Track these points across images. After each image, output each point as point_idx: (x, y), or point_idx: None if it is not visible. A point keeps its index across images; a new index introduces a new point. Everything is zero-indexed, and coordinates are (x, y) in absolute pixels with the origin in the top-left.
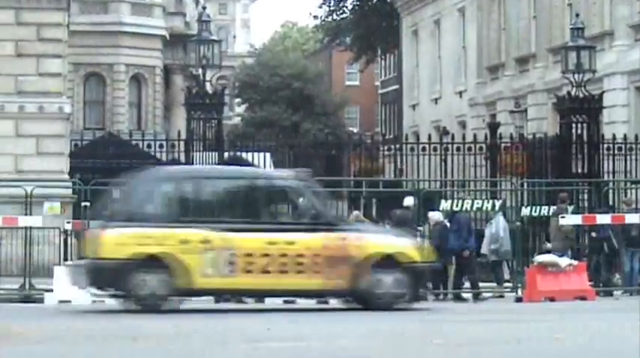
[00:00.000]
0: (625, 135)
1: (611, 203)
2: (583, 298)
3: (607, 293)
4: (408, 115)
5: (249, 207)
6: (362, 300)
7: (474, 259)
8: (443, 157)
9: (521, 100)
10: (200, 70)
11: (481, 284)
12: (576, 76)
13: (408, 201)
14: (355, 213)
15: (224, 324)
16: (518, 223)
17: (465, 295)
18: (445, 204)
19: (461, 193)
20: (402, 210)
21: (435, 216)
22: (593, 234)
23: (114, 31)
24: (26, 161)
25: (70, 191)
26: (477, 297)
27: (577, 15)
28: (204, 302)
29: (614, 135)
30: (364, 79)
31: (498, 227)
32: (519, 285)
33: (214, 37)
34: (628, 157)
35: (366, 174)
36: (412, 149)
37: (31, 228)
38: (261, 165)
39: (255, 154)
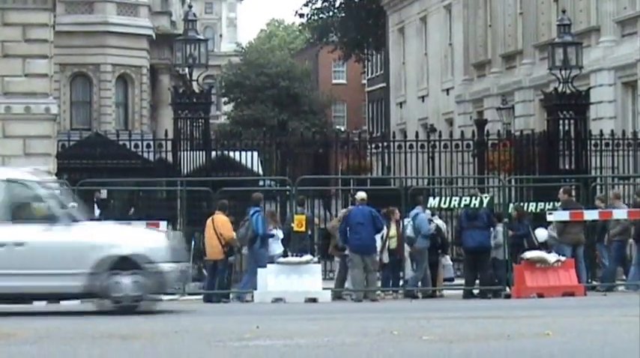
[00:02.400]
0: (612, 131)
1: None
2: (571, 294)
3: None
4: (395, 113)
5: None
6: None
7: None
8: (430, 154)
9: (508, 97)
10: (186, 70)
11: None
12: (563, 72)
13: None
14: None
15: (213, 323)
16: (506, 219)
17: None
18: (433, 202)
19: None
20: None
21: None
22: (510, 232)
23: (100, 31)
24: (13, 162)
25: None
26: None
27: (563, 11)
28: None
29: (601, 131)
30: (351, 77)
31: None
32: (507, 282)
33: (200, 37)
34: (615, 153)
35: (354, 172)
36: (400, 146)
37: None
38: (249, 164)
39: (243, 153)
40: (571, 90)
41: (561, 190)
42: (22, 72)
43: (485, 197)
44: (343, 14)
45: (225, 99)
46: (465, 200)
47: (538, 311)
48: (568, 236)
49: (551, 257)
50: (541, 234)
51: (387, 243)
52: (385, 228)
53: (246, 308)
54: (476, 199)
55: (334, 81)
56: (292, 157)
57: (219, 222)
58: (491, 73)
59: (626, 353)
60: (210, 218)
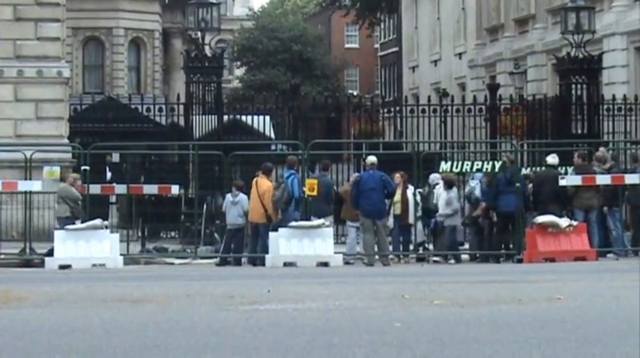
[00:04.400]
0: (625, 96)
1: None
2: (583, 258)
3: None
4: (408, 77)
5: None
6: None
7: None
8: (442, 119)
9: (521, 62)
10: (199, 34)
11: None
12: (576, 36)
13: (553, 159)
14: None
15: (225, 287)
16: (518, 184)
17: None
18: (445, 166)
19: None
20: (546, 169)
21: (434, 177)
22: None
23: None
24: (25, 125)
25: (69, 155)
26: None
27: None
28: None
29: (613, 96)
30: (364, 42)
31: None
32: (519, 246)
33: (213, 0)
34: (628, 118)
35: (366, 137)
36: (412, 111)
37: (30, 192)
38: (261, 128)
39: (255, 117)
40: (583, 54)
41: (576, 155)
42: (34, 35)
43: (498, 162)
44: None
45: (237, 63)
46: (477, 164)
47: (549, 275)
48: (580, 200)
49: (563, 221)
50: None
51: (392, 208)
52: None
53: (258, 272)
54: (488, 164)
55: (347, 45)
56: (304, 121)
57: (263, 187)
58: (504, 38)
59: (638, 316)
60: (254, 181)
